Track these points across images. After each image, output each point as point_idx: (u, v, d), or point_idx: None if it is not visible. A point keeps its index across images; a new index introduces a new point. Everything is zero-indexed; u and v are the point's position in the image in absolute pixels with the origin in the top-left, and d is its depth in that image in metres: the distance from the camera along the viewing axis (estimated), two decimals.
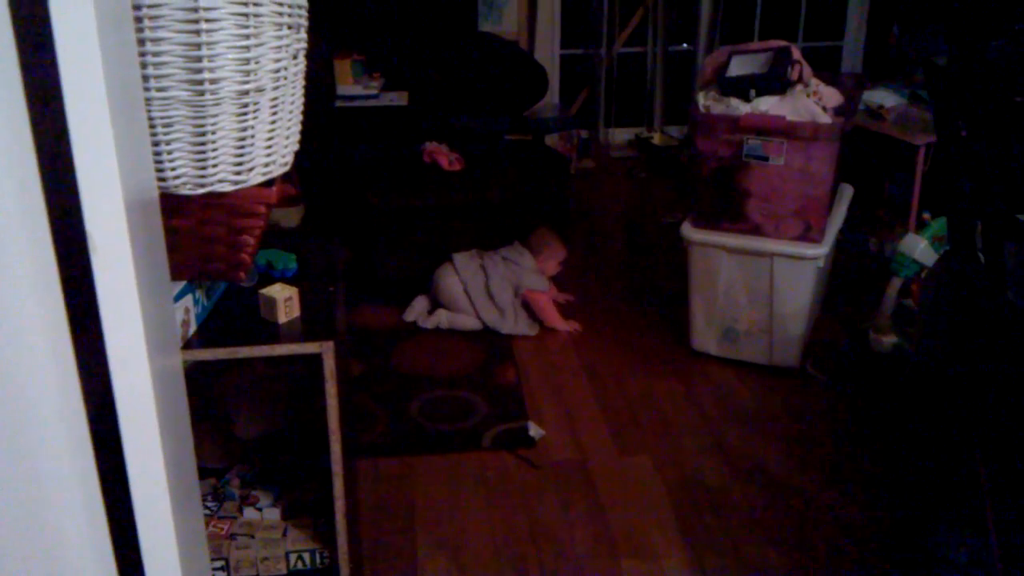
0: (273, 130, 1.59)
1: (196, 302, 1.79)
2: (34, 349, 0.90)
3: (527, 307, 3.60)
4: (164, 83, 1.43)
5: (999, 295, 2.11)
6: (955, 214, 2.16)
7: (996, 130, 2.06)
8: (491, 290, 3.55)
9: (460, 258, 3.63)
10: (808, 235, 3.09)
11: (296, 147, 1.69)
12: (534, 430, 2.94)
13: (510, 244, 3.73)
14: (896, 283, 3.26)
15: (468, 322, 3.58)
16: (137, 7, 1.37)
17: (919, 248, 3.15)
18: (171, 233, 1.56)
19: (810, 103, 3.06)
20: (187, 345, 1.74)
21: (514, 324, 3.56)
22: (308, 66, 1.70)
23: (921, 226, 3.53)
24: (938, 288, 2.57)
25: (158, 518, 1.00)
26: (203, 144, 1.49)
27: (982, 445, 2.15)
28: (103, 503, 0.98)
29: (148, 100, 1.43)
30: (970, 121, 2.08)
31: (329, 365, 1.79)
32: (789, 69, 3.06)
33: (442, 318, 3.60)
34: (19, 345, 0.90)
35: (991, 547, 2.13)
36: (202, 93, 1.45)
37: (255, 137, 1.55)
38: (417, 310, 3.68)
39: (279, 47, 1.53)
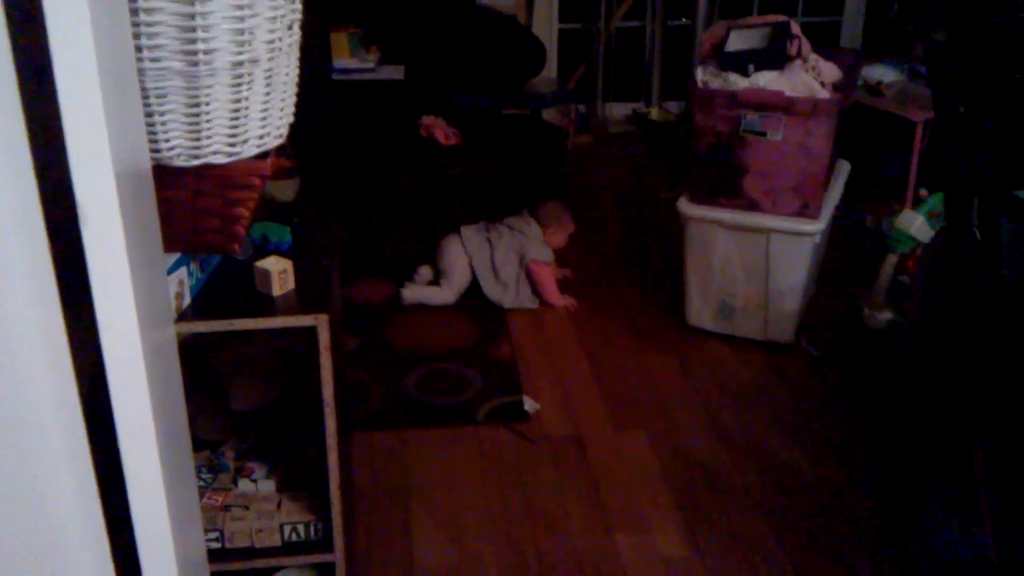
0: (267, 102, 1.58)
1: (191, 274, 1.79)
2: (24, 322, 0.90)
3: (529, 278, 3.60)
4: (158, 54, 1.42)
5: (995, 271, 2.11)
6: (951, 190, 2.16)
7: (994, 106, 2.05)
8: (496, 263, 3.54)
9: (467, 231, 3.62)
10: (805, 211, 3.08)
11: (291, 119, 1.68)
12: (529, 404, 2.95)
13: (518, 213, 3.72)
14: (892, 259, 3.26)
15: (435, 295, 3.56)
16: None
17: (915, 224, 3.15)
18: (165, 205, 1.55)
19: (809, 78, 3.05)
20: (182, 317, 1.74)
21: (516, 297, 3.55)
22: (304, 39, 1.68)
23: (918, 202, 3.53)
24: (934, 264, 2.57)
25: (151, 491, 1.00)
26: (197, 115, 1.49)
27: (976, 422, 2.16)
28: (95, 476, 0.99)
29: (142, 71, 1.42)
30: (968, 97, 2.07)
31: (324, 338, 1.79)
32: (788, 44, 3.05)
33: (410, 295, 3.58)
34: (8, 318, 0.90)
35: (983, 524, 2.14)
36: (196, 64, 1.44)
37: (249, 109, 1.54)
38: (419, 281, 3.67)
39: (274, 18, 1.52)
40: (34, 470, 0.97)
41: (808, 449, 2.76)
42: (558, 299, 3.60)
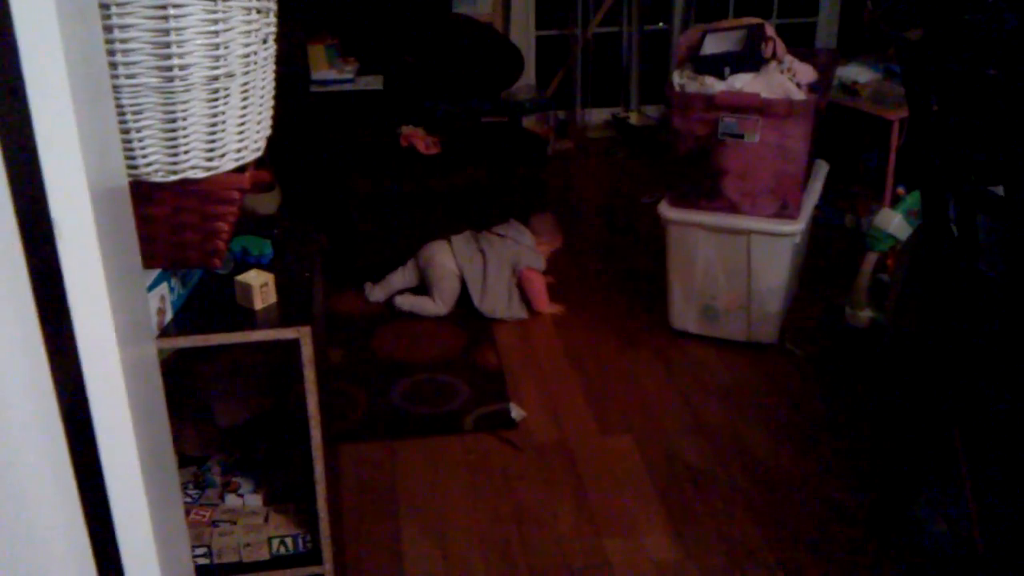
0: (244, 115, 1.58)
1: (172, 290, 1.78)
2: (3, 340, 0.90)
3: (519, 287, 3.59)
4: (133, 70, 1.42)
5: (971, 266, 2.13)
6: (927, 188, 2.18)
7: (967, 104, 2.07)
8: (488, 274, 3.54)
9: (458, 242, 3.60)
10: (784, 212, 3.10)
11: (268, 132, 1.69)
12: (515, 412, 2.95)
13: (505, 222, 3.73)
14: (872, 258, 3.28)
15: (428, 306, 3.56)
16: None
17: (894, 222, 3.17)
18: (144, 221, 1.55)
19: (784, 80, 3.07)
20: (164, 333, 1.74)
21: (508, 308, 3.54)
22: (282, 51, 1.69)
23: (896, 200, 3.55)
24: (912, 261, 2.60)
25: (134, 508, 1.00)
26: (174, 131, 1.49)
27: (958, 416, 2.17)
28: (78, 495, 0.98)
29: (117, 87, 1.42)
30: (941, 95, 2.09)
31: (307, 351, 1.79)
32: (763, 46, 3.07)
33: (404, 303, 3.58)
34: None
35: (970, 516, 2.16)
36: (171, 79, 1.44)
37: (226, 123, 1.54)
38: (388, 288, 3.66)
39: (248, 32, 1.52)
40: (16, 489, 0.97)
41: (794, 448, 2.77)
42: (547, 306, 3.60)
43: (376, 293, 3.66)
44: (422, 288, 3.63)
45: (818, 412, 2.95)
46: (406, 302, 3.57)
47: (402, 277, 3.66)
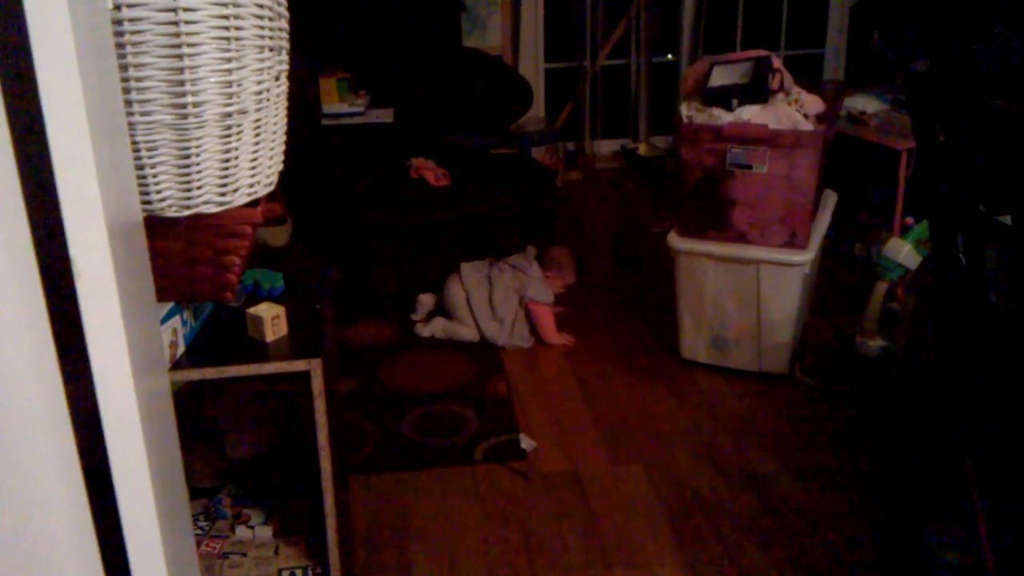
0: (257, 151, 1.61)
1: (184, 323, 1.80)
2: (22, 373, 0.91)
3: (527, 317, 3.62)
4: (148, 108, 1.45)
5: (981, 297, 2.13)
6: (935, 217, 2.18)
7: (973, 134, 2.08)
8: (494, 301, 3.57)
9: (467, 268, 3.67)
10: (793, 242, 3.11)
11: (280, 167, 1.71)
12: (526, 442, 2.95)
13: (521, 252, 3.76)
14: (882, 287, 3.28)
15: (464, 332, 3.59)
16: (120, 34, 1.39)
17: (903, 252, 3.17)
18: (157, 255, 1.57)
19: (792, 111, 3.09)
20: (176, 366, 1.76)
21: (510, 336, 3.56)
22: (293, 85, 1.71)
23: (905, 230, 3.56)
24: (922, 291, 2.60)
25: (147, 540, 1.01)
26: (188, 166, 1.51)
27: (970, 445, 2.17)
28: (93, 526, 0.99)
29: (132, 125, 1.45)
30: (947, 125, 2.11)
31: (317, 382, 1.80)
32: (770, 78, 3.09)
33: (438, 327, 3.62)
34: (6, 370, 0.91)
35: (982, 546, 2.14)
36: (185, 117, 1.47)
37: (239, 158, 1.57)
38: (420, 311, 3.73)
39: (261, 70, 1.55)
40: (31, 519, 0.98)
41: (805, 478, 2.76)
42: (557, 338, 3.61)
43: (422, 329, 3.69)
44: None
45: (829, 442, 2.94)
46: (440, 328, 3.61)
47: (430, 302, 3.76)
